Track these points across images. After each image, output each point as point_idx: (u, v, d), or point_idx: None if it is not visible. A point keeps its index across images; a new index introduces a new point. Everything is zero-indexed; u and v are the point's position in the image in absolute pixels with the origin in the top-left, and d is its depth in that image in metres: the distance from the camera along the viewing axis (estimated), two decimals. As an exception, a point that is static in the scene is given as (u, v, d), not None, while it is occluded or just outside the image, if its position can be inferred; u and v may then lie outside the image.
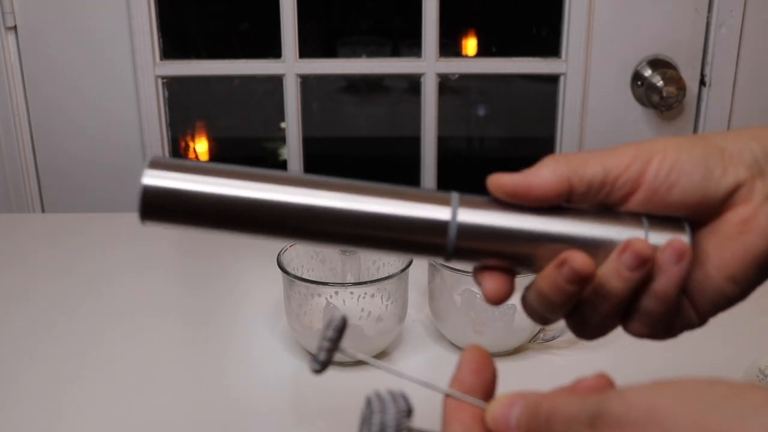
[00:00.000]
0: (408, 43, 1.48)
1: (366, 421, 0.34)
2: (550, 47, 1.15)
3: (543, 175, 0.38)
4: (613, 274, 0.37)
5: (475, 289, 0.72)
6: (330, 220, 0.37)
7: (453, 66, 1.16)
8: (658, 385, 0.29)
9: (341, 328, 0.36)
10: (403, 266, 0.71)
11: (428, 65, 1.14)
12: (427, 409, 0.39)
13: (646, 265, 0.36)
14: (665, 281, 0.37)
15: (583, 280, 0.37)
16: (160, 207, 0.37)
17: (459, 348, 0.74)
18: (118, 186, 1.18)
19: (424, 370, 0.71)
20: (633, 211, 0.39)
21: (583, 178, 0.38)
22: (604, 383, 0.34)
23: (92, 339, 0.77)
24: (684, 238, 0.38)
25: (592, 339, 0.40)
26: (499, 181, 0.39)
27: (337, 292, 0.69)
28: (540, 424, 0.32)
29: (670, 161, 0.38)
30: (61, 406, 0.67)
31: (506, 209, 0.39)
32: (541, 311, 0.39)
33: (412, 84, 1.24)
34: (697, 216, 0.39)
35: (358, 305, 0.70)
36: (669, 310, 0.38)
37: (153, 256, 0.96)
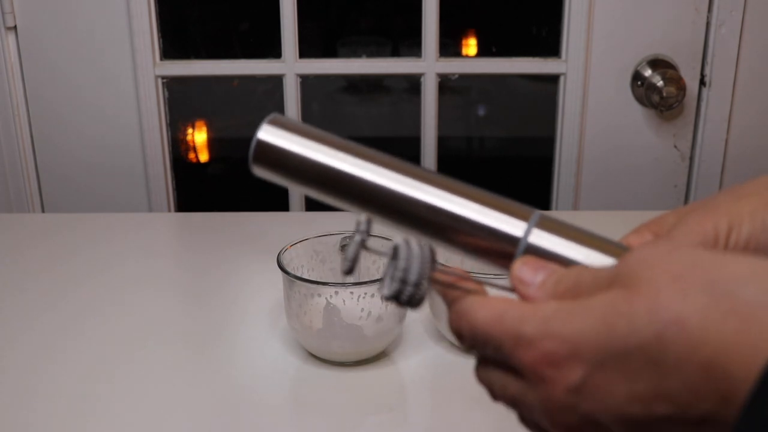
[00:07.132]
0: (408, 43, 1.47)
1: (391, 264, 0.35)
2: (550, 47, 1.15)
3: None
4: None
5: (475, 289, 0.72)
6: (408, 206, 0.39)
7: (453, 66, 1.16)
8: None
9: (369, 225, 0.38)
10: (403, 266, 0.71)
11: (428, 65, 1.14)
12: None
13: None
14: None
15: None
16: (268, 159, 0.42)
17: (459, 348, 0.74)
18: (119, 186, 1.18)
19: (424, 370, 0.71)
20: None
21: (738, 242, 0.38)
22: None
23: (92, 337, 0.77)
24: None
25: None
26: None
27: (337, 292, 0.69)
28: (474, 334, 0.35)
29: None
30: (60, 405, 0.67)
31: (583, 242, 0.38)
32: None
33: (412, 84, 1.24)
34: None
35: (358, 305, 0.70)
36: None
37: (153, 255, 0.96)
